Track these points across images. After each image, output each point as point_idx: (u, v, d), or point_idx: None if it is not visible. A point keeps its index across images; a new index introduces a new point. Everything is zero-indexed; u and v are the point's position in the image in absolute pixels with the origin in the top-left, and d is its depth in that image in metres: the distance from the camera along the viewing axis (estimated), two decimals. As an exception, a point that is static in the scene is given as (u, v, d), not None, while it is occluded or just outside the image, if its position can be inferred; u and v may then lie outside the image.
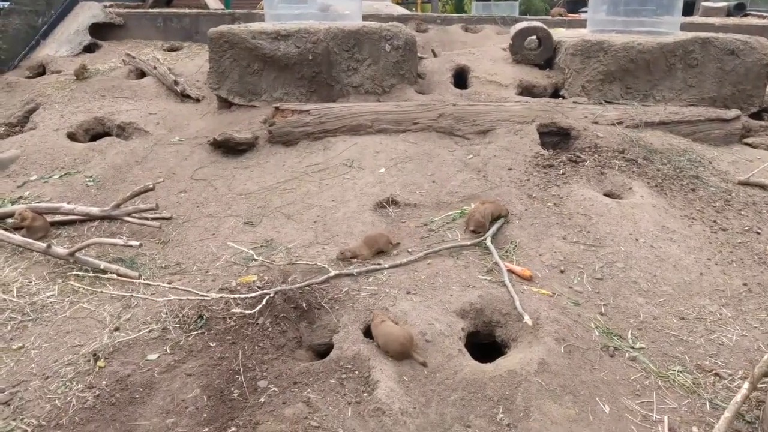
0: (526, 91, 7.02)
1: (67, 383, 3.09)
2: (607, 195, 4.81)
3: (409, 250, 4.15)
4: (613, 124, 5.90)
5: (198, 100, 6.74)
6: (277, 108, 5.80)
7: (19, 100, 7.24)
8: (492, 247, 4.01)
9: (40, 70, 8.24)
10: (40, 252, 4.15)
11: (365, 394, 2.93)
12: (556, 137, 5.85)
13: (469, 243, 4.12)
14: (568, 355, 3.05)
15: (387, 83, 6.44)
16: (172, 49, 8.62)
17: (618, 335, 3.28)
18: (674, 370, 3.04)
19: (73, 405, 2.95)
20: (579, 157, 5.32)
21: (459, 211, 4.54)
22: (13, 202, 4.90)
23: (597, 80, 6.59)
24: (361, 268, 3.89)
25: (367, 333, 3.39)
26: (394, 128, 5.77)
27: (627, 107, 6.23)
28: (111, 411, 2.91)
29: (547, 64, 7.40)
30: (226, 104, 6.37)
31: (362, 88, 6.38)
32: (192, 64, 7.73)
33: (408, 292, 3.65)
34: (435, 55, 7.87)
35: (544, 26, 7.32)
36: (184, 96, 6.76)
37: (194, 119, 6.38)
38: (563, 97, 6.77)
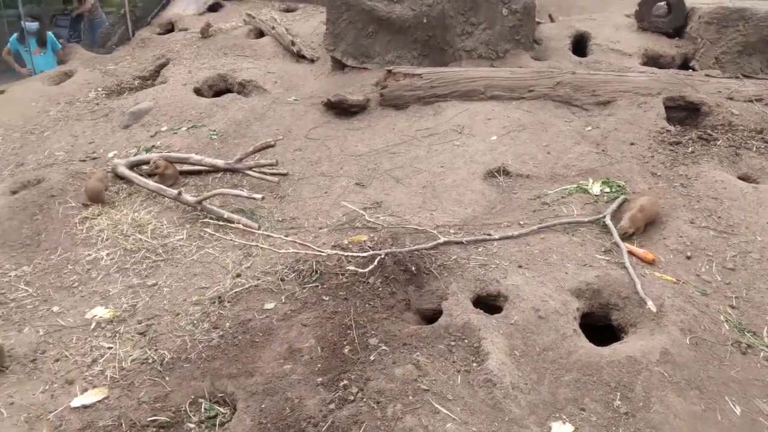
0: (652, 61, 6.55)
1: (194, 321, 3.33)
2: (742, 178, 4.43)
3: (521, 222, 4.06)
4: (750, 101, 5.38)
5: (312, 61, 6.86)
6: (389, 71, 5.79)
7: (151, 54, 7.73)
8: (611, 226, 3.83)
9: (170, 27, 8.77)
10: (171, 198, 4.46)
11: (474, 364, 2.93)
12: (683, 112, 5.43)
13: (586, 220, 3.96)
14: (694, 348, 2.88)
15: (501, 48, 6.23)
16: (287, 10, 8.81)
17: (752, 332, 3.05)
18: (816, 375, 2.81)
19: (201, 342, 3.18)
20: (710, 135, 4.92)
21: (575, 185, 4.36)
22: (147, 150, 5.29)
23: (734, 52, 6.04)
24: (470, 237, 3.86)
25: (477, 303, 3.38)
26: (508, 95, 5.60)
27: (768, 82, 5.66)
28: (234, 351, 3.11)
29: (676, 32, 6.84)
30: (339, 66, 6.45)
31: (475, 52, 6.21)
32: (307, 25, 7.85)
33: (520, 266, 3.58)
34: (552, 20, 7.49)
35: (676, -9, 6.74)
36: (299, 56, 6.91)
37: (309, 79, 6.52)
38: (693, 69, 6.26)
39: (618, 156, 4.70)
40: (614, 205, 4.06)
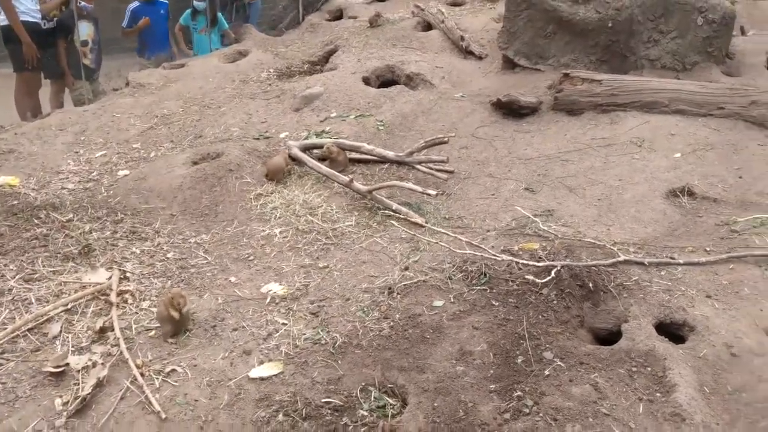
0: None
1: (364, 309, 3.40)
2: None
3: (707, 249, 3.74)
4: None
5: (481, 58, 6.80)
6: (566, 74, 5.59)
7: (320, 40, 8.06)
8: (820, 267, 3.42)
9: (338, 14, 9.05)
10: (341, 184, 4.63)
11: (659, 394, 2.77)
12: None
13: (788, 256, 3.57)
14: None
15: (690, 60, 5.78)
16: (454, 4, 8.76)
17: None
18: None
19: (371, 330, 3.24)
20: None
21: (772, 215, 3.95)
22: (317, 135, 5.53)
23: None
24: (652, 258, 3.64)
25: (659, 329, 3.18)
26: (694, 111, 5.19)
27: None
28: (404, 344, 3.14)
29: None
30: (510, 65, 6.34)
31: (659, 62, 5.82)
32: (476, 21, 7.76)
33: (708, 296, 3.32)
34: (743, 33, 6.85)
35: None
36: (467, 52, 6.87)
37: (477, 77, 6.47)
38: None
39: (827, 189, 4.19)
40: (825, 244, 3.62)
